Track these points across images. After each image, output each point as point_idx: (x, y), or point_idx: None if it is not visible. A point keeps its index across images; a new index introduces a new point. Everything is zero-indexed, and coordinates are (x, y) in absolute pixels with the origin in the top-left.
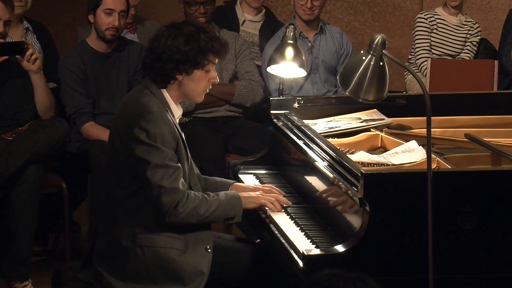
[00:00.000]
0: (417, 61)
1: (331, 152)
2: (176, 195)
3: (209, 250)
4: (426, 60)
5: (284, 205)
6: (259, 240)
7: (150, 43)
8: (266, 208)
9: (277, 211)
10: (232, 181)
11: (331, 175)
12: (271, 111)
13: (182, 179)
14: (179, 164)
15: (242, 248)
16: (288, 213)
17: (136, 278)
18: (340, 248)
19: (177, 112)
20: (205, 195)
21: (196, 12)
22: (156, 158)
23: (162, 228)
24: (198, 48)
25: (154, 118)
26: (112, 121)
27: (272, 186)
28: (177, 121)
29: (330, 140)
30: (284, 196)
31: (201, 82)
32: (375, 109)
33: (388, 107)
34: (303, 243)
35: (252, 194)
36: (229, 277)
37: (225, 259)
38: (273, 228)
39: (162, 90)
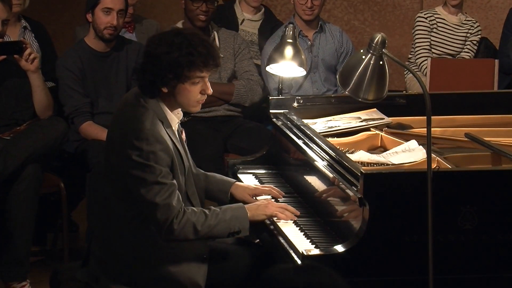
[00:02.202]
0: (417, 60)
1: (330, 151)
2: (170, 212)
3: (205, 257)
4: (426, 59)
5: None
6: (258, 240)
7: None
8: (275, 219)
9: (288, 220)
10: (233, 180)
11: (330, 175)
12: (271, 111)
13: (178, 195)
14: (174, 181)
15: (241, 251)
16: None
17: (132, 285)
18: (339, 248)
19: (175, 119)
20: (205, 210)
21: (198, 9)
22: (149, 176)
23: (156, 239)
24: (176, 63)
25: (146, 136)
26: (109, 130)
27: (272, 186)
28: (176, 126)
29: (329, 139)
30: (283, 196)
31: (190, 94)
32: (375, 109)
33: (388, 106)
34: (302, 243)
35: (261, 204)
36: (229, 280)
37: (223, 264)
38: (272, 228)
39: (156, 99)
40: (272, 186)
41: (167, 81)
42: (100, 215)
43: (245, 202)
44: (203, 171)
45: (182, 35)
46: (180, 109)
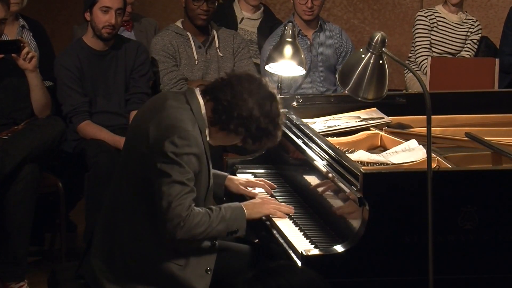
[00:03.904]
0: (417, 59)
1: (330, 151)
2: (180, 215)
3: (209, 273)
4: (426, 58)
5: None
6: (258, 240)
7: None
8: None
9: (285, 218)
10: (226, 174)
11: (330, 175)
12: None
13: (191, 201)
14: (194, 188)
15: (240, 250)
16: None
17: (133, 285)
18: (339, 248)
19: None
20: (208, 211)
21: (199, 9)
22: (176, 174)
23: (165, 240)
24: (260, 130)
25: (188, 137)
26: (139, 120)
27: (263, 179)
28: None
29: (329, 139)
30: (282, 196)
31: (228, 141)
32: (375, 108)
33: (387, 105)
34: (302, 243)
35: (257, 202)
36: (228, 280)
37: (222, 263)
38: (272, 228)
39: (203, 114)
40: (264, 179)
41: (240, 131)
42: (105, 215)
43: (240, 195)
44: None
45: (275, 104)
46: None
